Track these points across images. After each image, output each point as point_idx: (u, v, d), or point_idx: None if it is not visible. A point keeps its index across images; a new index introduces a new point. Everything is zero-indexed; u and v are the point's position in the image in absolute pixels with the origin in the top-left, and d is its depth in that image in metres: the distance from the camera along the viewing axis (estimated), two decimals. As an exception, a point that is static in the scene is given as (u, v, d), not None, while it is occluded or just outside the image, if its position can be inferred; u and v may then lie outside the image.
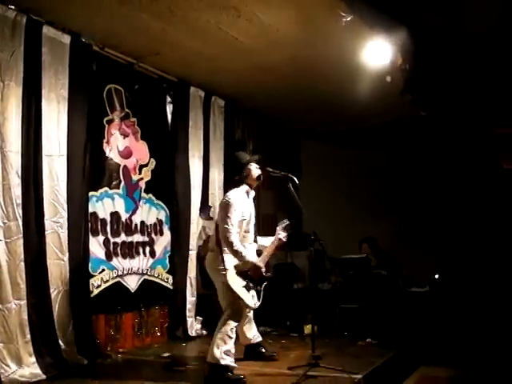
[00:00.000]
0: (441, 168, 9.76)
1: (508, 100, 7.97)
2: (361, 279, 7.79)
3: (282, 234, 5.76)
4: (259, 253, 5.73)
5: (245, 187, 5.69)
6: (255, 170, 5.75)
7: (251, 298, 5.41)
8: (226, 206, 5.47)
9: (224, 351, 5.26)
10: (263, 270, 5.49)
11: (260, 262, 5.54)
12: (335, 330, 7.59)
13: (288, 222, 5.85)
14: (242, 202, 5.58)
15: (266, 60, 7.07)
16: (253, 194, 5.81)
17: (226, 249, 5.43)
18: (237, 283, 5.36)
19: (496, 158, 9.55)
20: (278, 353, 6.32)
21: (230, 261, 5.42)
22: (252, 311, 5.99)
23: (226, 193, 5.80)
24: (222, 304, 5.64)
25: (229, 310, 5.47)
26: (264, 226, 8.09)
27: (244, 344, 6.05)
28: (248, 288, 5.39)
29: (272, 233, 5.93)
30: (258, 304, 5.56)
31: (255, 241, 5.81)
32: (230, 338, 5.35)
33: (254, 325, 6.15)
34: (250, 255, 5.52)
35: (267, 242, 5.87)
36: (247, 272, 5.42)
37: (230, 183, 5.88)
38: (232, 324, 5.39)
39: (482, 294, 8.24)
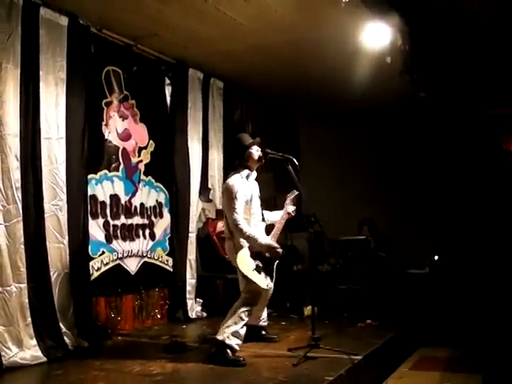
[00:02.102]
0: (439, 149, 9.76)
1: (507, 81, 7.94)
2: (360, 261, 7.80)
3: (290, 208, 5.77)
4: (269, 229, 5.74)
5: (245, 172, 5.66)
6: (256, 152, 5.71)
7: (263, 280, 5.39)
8: (228, 195, 5.46)
9: (232, 332, 5.27)
10: (278, 249, 5.49)
11: (272, 240, 5.56)
12: (335, 311, 7.62)
13: (297, 193, 5.83)
14: (243, 186, 5.56)
15: (265, 42, 7.03)
16: (254, 175, 5.79)
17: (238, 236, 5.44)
18: (247, 267, 5.35)
19: (494, 139, 9.54)
20: (278, 334, 6.33)
21: (244, 246, 5.44)
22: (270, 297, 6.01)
23: (225, 176, 5.79)
24: (240, 287, 5.67)
25: (245, 293, 5.47)
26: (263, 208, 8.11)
27: (249, 323, 6.03)
28: (258, 270, 5.39)
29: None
30: (271, 285, 5.56)
31: (263, 219, 5.81)
32: (242, 320, 5.34)
33: (265, 309, 6.16)
34: (263, 237, 5.52)
35: (276, 216, 5.88)
36: (262, 253, 5.44)
37: (230, 167, 5.85)
38: (246, 307, 5.39)
39: (480, 275, 8.27)
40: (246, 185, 5.61)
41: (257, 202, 5.75)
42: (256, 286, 5.37)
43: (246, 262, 5.36)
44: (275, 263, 5.57)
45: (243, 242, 5.43)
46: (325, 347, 5.50)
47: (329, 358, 5.34)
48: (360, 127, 10.33)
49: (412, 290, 7.99)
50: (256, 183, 5.87)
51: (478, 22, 6.58)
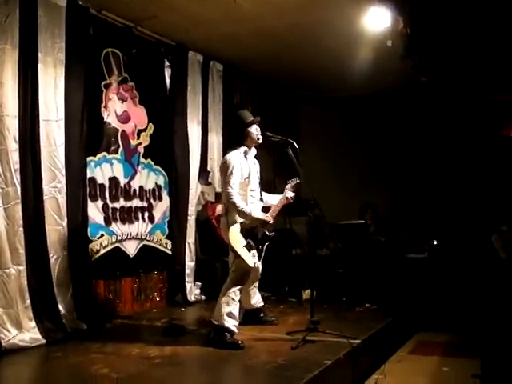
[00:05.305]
0: (439, 134, 9.74)
1: (509, 66, 7.89)
2: (359, 245, 7.81)
3: (289, 194, 5.75)
4: (266, 211, 5.73)
5: (243, 148, 5.64)
6: (255, 131, 5.68)
7: (251, 258, 5.40)
8: (224, 170, 5.48)
9: (227, 313, 5.31)
10: (270, 221, 5.48)
11: (267, 217, 5.55)
12: (333, 295, 7.63)
13: (299, 181, 5.81)
14: (241, 162, 5.55)
15: (265, 25, 6.98)
16: (253, 152, 5.78)
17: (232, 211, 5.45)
18: (238, 242, 5.36)
19: (495, 125, 9.51)
20: (277, 318, 6.35)
21: (237, 222, 5.44)
22: (259, 279, 6.05)
23: (224, 155, 5.79)
24: (229, 265, 5.69)
25: (234, 272, 5.49)
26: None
27: (246, 308, 6.07)
28: (249, 248, 5.39)
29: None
30: (258, 264, 5.61)
31: (261, 199, 5.80)
32: (233, 300, 5.38)
33: (257, 291, 6.17)
34: (256, 212, 5.51)
35: (274, 199, 5.85)
36: (253, 230, 5.43)
37: (229, 143, 5.84)
38: (236, 287, 5.42)
39: (479, 260, 8.28)
40: (243, 161, 5.60)
41: (255, 180, 5.73)
42: (244, 264, 5.37)
43: (237, 238, 5.38)
44: (265, 244, 5.57)
45: (237, 217, 5.44)
46: (323, 331, 5.52)
47: (327, 342, 5.36)
48: (360, 112, 10.30)
49: (411, 275, 8.01)
50: (257, 162, 5.87)
51: (481, 5, 6.52)
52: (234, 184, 5.42)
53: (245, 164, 5.60)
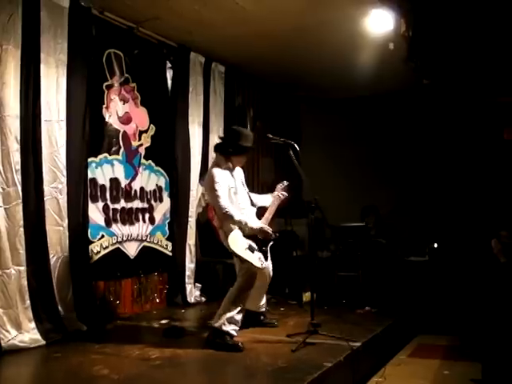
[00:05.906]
0: (441, 137, 9.73)
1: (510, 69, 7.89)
2: (360, 247, 7.80)
3: (282, 194, 5.79)
4: (262, 213, 5.74)
5: (225, 165, 5.63)
6: (244, 158, 5.76)
7: (257, 259, 5.38)
8: (210, 184, 5.44)
9: (227, 317, 5.28)
10: (270, 231, 5.47)
11: (264, 223, 5.56)
12: (334, 297, 7.62)
13: (287, 183, 5.85)
14: (226, 176, 5.55)
15: (267, 27, 6.98)
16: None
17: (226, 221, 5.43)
18: (239, 246, 5.34)
19: (498, 128, 9.50)
20: (277, 320, 6.35)
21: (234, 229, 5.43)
22: (269, 281, 6.03)
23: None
24: (237, 271, 5.66)
25: (240, 277, 5.45)
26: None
27: (248, 308, 5.96)
28: (251, 249, 5.37)
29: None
30: (266, 264, 5.58)
31: (252, 204, 5.79)
32: (237, 306, 5.34)
33: (265, 296, 6.16)
34: (253, 221, 5.50)
35: (266, 200, 5.88)
36: (255, 236, 5.44)
37: (217, 148, 5.83)
38: (242, 292, 5.39)
39: (479, 263, 8.26)
40: (227, 174, 5.60)
41: (242, 189, 5.74)
42: (250, 266, 5.35)
43: (237, 242, 5.36)
44: (269, 244, 5.57)
45: (233, 226, 5.42)
46: (324, 333, 5.51)
47: (328, 345, 5.35)
48: (362, 114, 10.30)
49: (411, 278, 8.00)
50: (241, 170, 5.89)
51: (483, 7, 6.52)
52: (223, 196, 5.39)
53: (229, 176, 5.60)
